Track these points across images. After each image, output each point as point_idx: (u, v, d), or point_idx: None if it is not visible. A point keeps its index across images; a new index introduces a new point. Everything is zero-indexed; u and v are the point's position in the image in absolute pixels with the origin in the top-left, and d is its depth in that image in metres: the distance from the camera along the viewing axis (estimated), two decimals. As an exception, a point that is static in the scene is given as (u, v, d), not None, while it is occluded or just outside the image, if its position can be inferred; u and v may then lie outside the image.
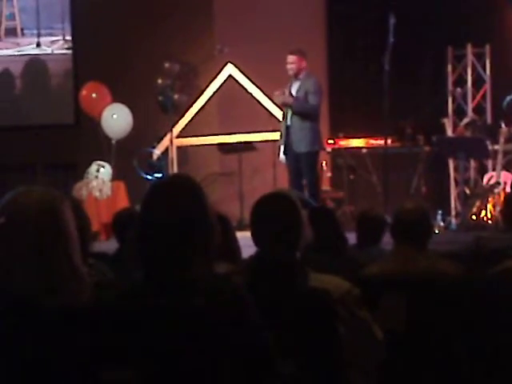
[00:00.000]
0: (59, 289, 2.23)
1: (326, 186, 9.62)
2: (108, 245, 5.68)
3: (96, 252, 3.94)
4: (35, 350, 2.18)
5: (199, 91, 9.80)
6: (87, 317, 2.22)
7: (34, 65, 11.06)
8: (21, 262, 2.23)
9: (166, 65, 10.01)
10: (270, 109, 9.34)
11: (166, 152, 9.67)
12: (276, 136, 8.69)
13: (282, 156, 8.36)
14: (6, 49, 11.05)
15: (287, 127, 8.21)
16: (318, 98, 8.23)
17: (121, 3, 10.25)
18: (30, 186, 2.34)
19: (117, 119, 9.71)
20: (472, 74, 10.02)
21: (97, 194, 9.23)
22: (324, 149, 8.79)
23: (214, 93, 9.70)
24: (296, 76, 8.21)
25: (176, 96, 10.01)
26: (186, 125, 9.75)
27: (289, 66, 8.20)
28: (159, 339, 2.18)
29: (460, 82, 10.09)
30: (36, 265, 2.23)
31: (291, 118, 8.20)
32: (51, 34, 10.99)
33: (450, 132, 9.87)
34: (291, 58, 8.20)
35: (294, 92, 8.23)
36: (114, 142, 9.70)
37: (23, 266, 2.23)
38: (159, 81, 10.03)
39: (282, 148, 8.30)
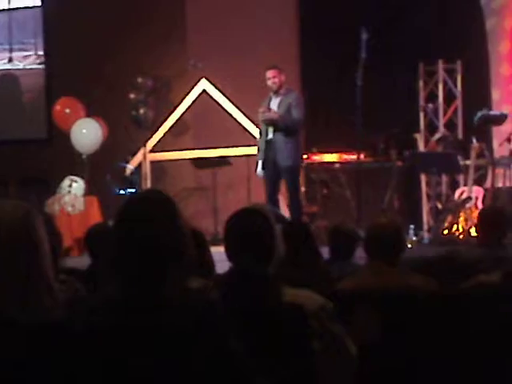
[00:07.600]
0: (33, 304, 2.21)
1: (299, 201, 9.63)
2: (80, 260, 5.63)
3: (68, 268, 3.92)
4: (8, 366, 2.16)
5: (172, 106, 9.79)
6: (61, 333, 2.21)
7: (6, 80, 11.01)
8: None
9: (139, 80, 10.00)
10: (243, 123, 9.35)
11: (139, 167, 9.64)
12: (250, 151, 8.67)
13: (259, 170, 8.26)
14: (-22, 64, 11.01)
15: (267, 142, 8.11)
16: (302, 111, 8.15)
17: (93, 18, 10.23)
18: (2, 200, 2.33)
19: (86, 134, 9.67)
20: (443, 90, 10.09)
21: (69, 209, 9.18)
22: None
23: (188, 107, 9.70)
24: (277, 91, 8.11)
25: (149, 111, 10.00)
26: (160, 139, 9.74)
27: (271, 81, 8.05)
28: (133, 355, 2.18)
29: (431, 97, 10.16)
30: (9, 280, 2.21)
31: (273, 132, 8.09)
32: (23, 49, 10.95)
33: (421, 147, 9.94)
34: (272, 73, 8.06)
35: (274, 107, 8.12)
36: (84, 156, 9.66)
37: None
38: (132, 95, 10.01)
39: (261, 163, 8.22)
